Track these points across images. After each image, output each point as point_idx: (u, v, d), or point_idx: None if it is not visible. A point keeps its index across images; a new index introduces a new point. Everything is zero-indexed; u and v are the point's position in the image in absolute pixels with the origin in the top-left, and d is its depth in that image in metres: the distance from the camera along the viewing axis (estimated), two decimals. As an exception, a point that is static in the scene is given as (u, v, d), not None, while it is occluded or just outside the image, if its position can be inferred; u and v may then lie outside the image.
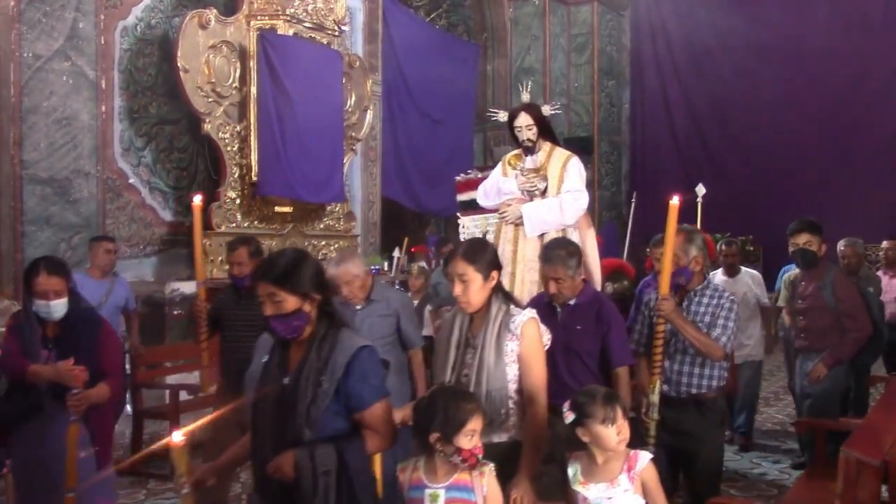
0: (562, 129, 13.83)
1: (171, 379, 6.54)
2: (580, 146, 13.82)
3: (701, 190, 7.47)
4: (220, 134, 7.82)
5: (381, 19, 10.26)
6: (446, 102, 11.96)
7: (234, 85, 7.91)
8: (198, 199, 4.47)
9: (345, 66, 8.98)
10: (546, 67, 13.48)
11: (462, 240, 8.06)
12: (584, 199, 4.97)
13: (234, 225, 7.92)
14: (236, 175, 7.99)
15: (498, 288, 3.20)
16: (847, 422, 4.85)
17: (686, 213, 4.87)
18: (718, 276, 6.63)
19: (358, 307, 4.55)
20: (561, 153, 5.09)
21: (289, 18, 8.19)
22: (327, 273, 4.09)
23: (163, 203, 7.76)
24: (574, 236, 4.86)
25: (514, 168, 5.15)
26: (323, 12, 8.70)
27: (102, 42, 7.14)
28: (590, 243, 5.08)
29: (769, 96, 13.61)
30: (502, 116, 5.27)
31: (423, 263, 8.30)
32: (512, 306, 3.20)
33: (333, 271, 4.35)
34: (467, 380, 3.12)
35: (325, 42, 8.71)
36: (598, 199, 13.88)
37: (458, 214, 7.42)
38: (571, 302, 3.90)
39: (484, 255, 3.17)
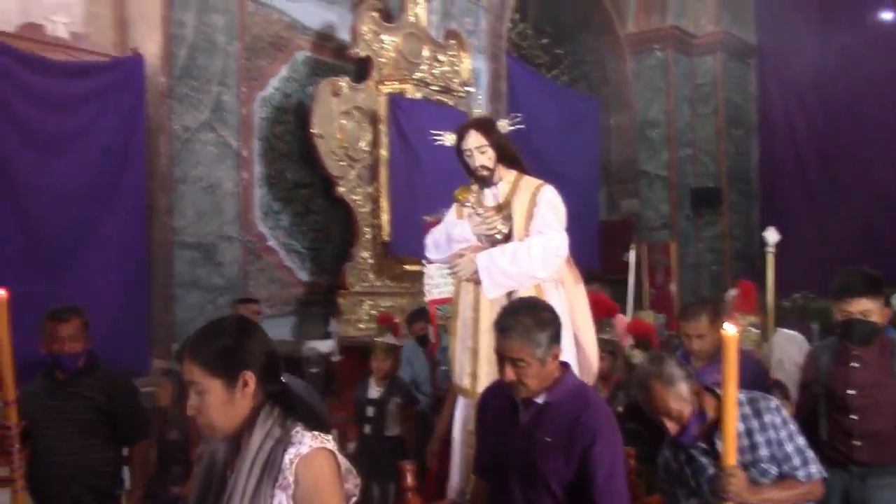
0: (689, 179, 13.58)
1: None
2: (708, 197, 13.56)
3: (773, 237, 6.11)
4: (352, 196, 8.05)
5: (506, 78, 10.40)
6: (569, 157, 11.88)
7: (365, 148, 8.15)
8: (1, 293, 3.09)
9: (471, 126, 9.10)
10: (670, 119, 13.30)
11: (427, 294, 6.43)
12: (559, 242, 3.63)
13: (366, 284, 8.08)
14: (368, 235, 8.17)
15: (276, 398, 1.99)
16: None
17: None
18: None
19: None
20: (529, 183, 3.82)
21: (417, 82, 8.42)
22: None
23: (299, 264, 8.00)
24: (554, 296, 3.58)
25: (465, 205, 3.84)
26: (449, 75, 8.90)
27: (244, 113, 7.50)
28: (580, 306, 3.77)
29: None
30: (449, 140, 4.02)
31: (392, 338, 5.72)
32: (297, 430, 1.95)
33: None
34: None
35: (451, 103, 8.88)
36: (731, 249, 13.49)
37: (424, 262, 5.89)
38: (539, 399, 2.68)
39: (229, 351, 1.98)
